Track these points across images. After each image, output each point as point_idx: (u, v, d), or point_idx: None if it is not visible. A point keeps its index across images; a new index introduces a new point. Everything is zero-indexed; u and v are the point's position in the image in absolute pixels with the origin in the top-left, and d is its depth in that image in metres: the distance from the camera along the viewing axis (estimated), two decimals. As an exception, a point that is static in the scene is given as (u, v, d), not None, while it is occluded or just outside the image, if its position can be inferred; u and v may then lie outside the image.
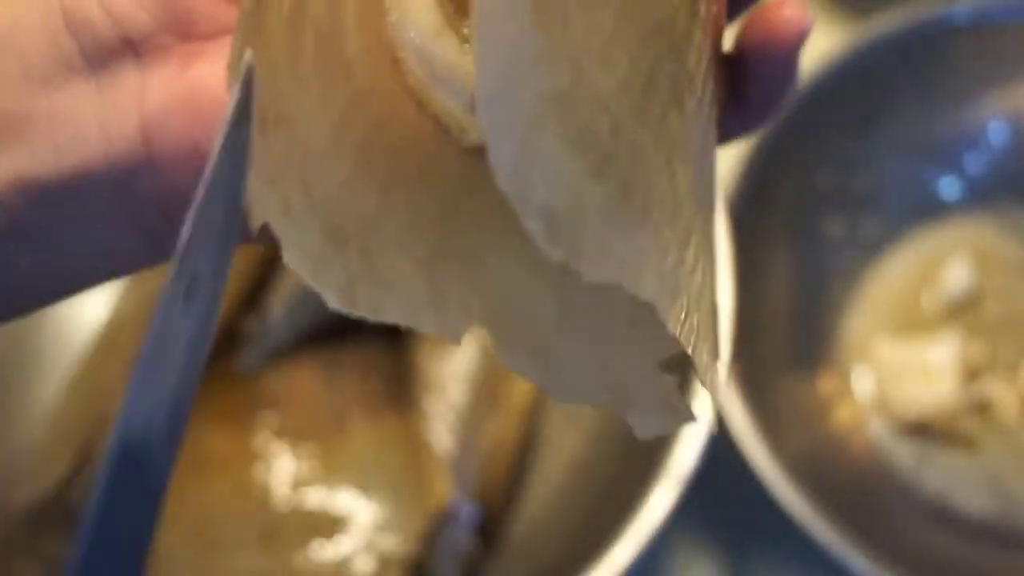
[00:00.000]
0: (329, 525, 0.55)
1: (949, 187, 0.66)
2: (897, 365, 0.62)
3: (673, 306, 0.22)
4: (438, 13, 0.24)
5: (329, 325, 0.58)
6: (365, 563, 0.56)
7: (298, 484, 0.55)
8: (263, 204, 0.22)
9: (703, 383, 0.24)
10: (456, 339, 0.24)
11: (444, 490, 0.55)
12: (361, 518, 0.56)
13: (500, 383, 0.57)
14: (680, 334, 0.23)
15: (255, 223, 0.22)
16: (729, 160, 0.60)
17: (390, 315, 0.23)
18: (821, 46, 0.63)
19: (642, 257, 0.22)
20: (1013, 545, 0.59)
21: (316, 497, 0.55)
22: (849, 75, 0.62)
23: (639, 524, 0.50)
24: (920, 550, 0.58)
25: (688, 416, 0.25)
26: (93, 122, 0.24)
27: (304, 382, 0.58)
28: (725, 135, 0.28)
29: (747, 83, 0.27)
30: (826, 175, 0.64)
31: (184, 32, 0.24)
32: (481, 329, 0.24)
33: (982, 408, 0.62)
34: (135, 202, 0.24)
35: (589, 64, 0.22)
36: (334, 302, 0.23)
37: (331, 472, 0.55)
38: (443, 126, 0.24)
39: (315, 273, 0.23)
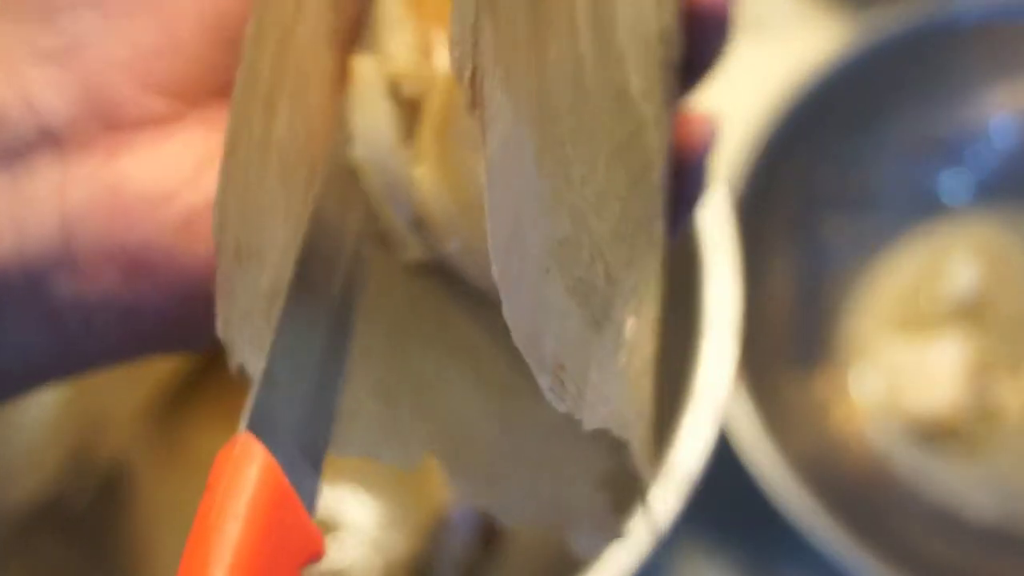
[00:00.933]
0: (329, 525, 0.55)
1: (950, 187, 0.66)
2: (900, 365, 0.62)
3: (639, 438, 0.23)
4: (395, 129, 0.24)
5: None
6: (365, 563, 0.56)
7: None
8: (239, 340, 0.22)
9: (646, 493, 0.24)
10: (413, 469, 0.24)
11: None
12: (361, 518, 0.56)
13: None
14: (639, 458, 0.23)
15: (233, 361, 0.22)
16: (729, 159, 0.60)
17: (351, 450, 0.24)
18: (821, 46, 0.63)
19: (625, 399, 0.23)
20: (1017, 548, 0.59)
21: (315, 498, 0.55)
22: (849, 75, 0.62)
23: (639, 524, 0.50)
24: (923, 552, 0.58)
25: (620, 534, 0.25)
26: (6, 217, 0.23)
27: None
28: None
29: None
30: (827, 175, 0.64)
31: (109, 122, 0.23)
32: (433, 459, 0.24)
33: (986, 409, 0.62)
34: (51, 302, 0.23)
35: (587, 211, 0.23)
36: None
37: (331, 472, 0.55)
38: (388, 242, 0.24)
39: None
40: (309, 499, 0.22)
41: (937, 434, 0.62)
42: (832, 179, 0.64)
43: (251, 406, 0.22)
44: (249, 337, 0.22)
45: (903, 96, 0.64)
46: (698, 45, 0.27)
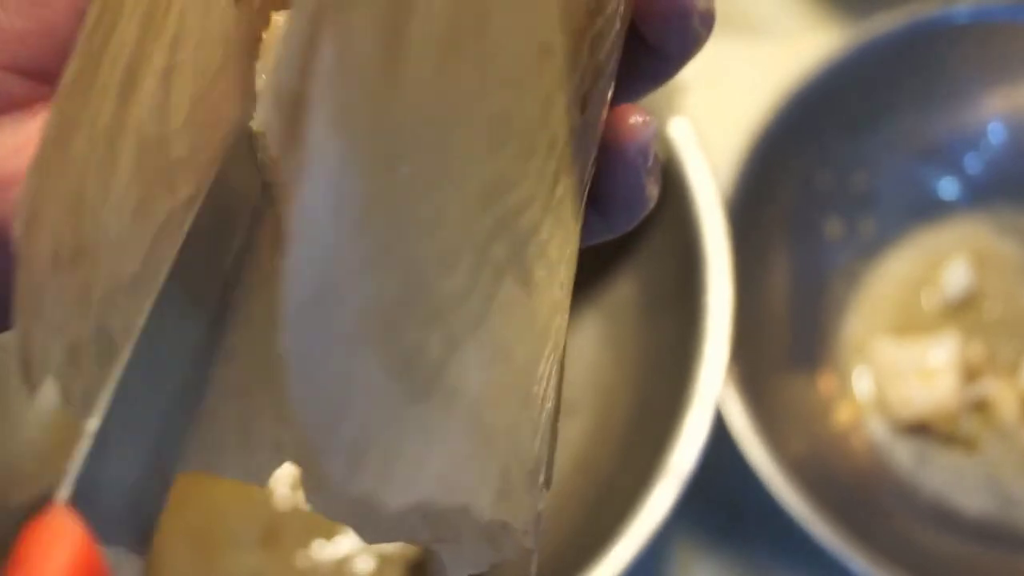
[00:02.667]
0: (329, 525, 0.55)
1: (948, 187, 0.66)
2: (896, 365, 0.62)
3: (485, 500, 0.21)
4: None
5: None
6: (365, 563, 0.56)
7: (298, 484, 0.55)
8: (46, 356, 0.20)
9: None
10: (263, 482, 0.22)
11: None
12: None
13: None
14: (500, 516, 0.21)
15: (34, 380, 0.20)
16: (728, 159, 0.60)
17: (189, 464, 0.21)
18: (821, 46, 0.63)
19: (461, 465, 0.20)
20: (1012, 545, 0.59)
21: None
22: (848, 75, 0.62)
23: (639, 523, 0.50)
24: (919, 550, 0.58)
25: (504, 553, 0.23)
26: None
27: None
28: (589, 236, 0.26)
29: (607, 187, 0.25)
30: (825, 175, 0.64)
31: None
32: (292, 467, 0.21)
33: (981, 408, 0.62)
34: None
35: (427, 266, 0.19)
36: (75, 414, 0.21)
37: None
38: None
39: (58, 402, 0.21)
40: (127, 573, 0.20)
41: (932, 432, 0.62)
42: (830, 180, 0.64)
43: (74, 472, 0.20)
44: (64, 350, 0.20)
45: (901, 97, 0.64)
46: (661, 37, 0.25)
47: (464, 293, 0.20)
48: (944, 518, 0.60)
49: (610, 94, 0.24)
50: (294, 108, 0.18)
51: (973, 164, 0.66)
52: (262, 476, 0.22)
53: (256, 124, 0.21)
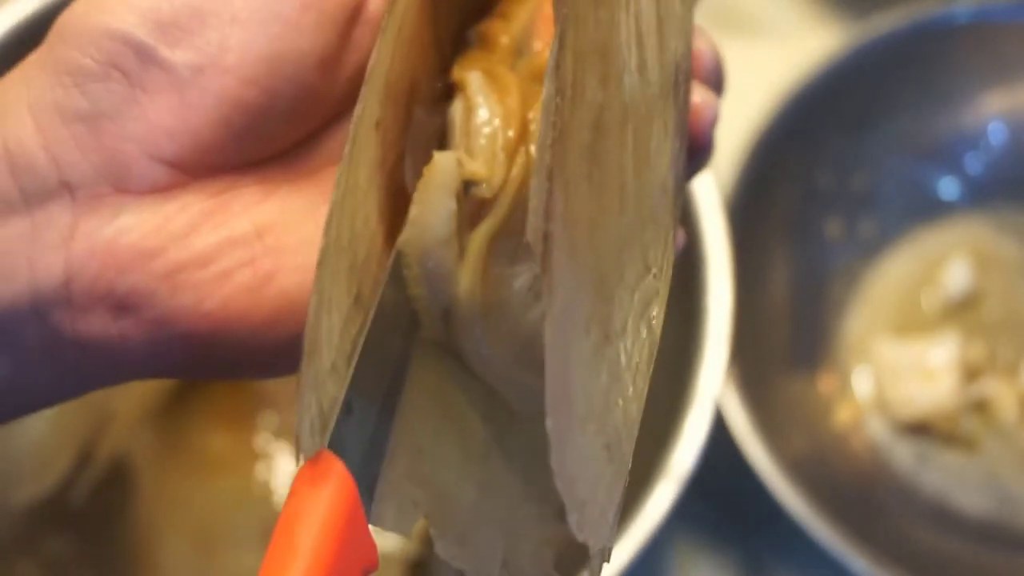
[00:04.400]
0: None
1: (948, 187, 0.66)
2: (897, 365, 0.62)
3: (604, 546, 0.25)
4: (455, 219, 0.26)
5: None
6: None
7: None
8: (305, 436, 0.24)
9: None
10: (407, 534, 0.26)
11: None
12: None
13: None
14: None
15: (300, 457, 0.24)
16: (728, 160, 0.60)
17: (374, 520, 0.26)
18: (821, 46, 0.63)
19: (616, 512, 0.25)
20: (1012, 545, 0.59)
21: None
22: (849, 75, 0.62)
23: (639, 523, 0.50)
24: (919, 550, 0.58)
25: None
26: (23, 258, 0.26)
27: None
28: None
29: None
30: (825, 175, 0.64)
31: (119, 184, 0.26)
32: (424, 521, 0.26)
33: (981, 408, 0.62)
34: (53, 335, 0.26)
35: (620, 364, 0.25)
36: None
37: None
38: (417, 322, 0.26)
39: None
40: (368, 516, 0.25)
41: (932, 432, 0.62)
42: (830, 180, 0.64)
43: (331, 429, 0.24)
44: (308, 421, 0.24)
45: (901, 97, 0.64)
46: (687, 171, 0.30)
47: (632, 385, 0.26)
48: (944, 518, 0.60)
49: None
50: (545, 243, 0.22)
51: (973, 164, 0.66)
52: (407, 530, 0.27)
53: (404, 240, 0.26)
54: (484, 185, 0.26)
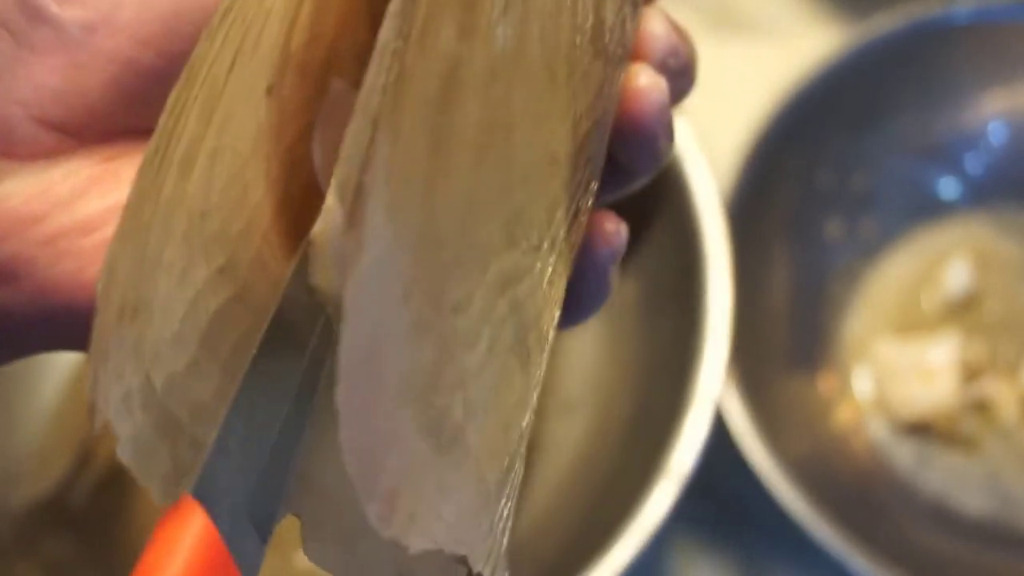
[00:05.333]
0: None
1: (948, 187, 0.66)
2: (897, 365, 0.62)
3: (481, 552, 0.24)
4: None
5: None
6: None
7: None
8: (107, 399, 0.22)
9: None
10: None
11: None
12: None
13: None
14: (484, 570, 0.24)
15: (98, 421, 0.22)
16: (728, 160, 0.60)
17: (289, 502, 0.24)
18: (821, 46, 0.63)
19: (464, 515, 0.23)
20: (1012, 545, 0.59)
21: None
22: (849, 75, 0.62)
23: (639, 523, 0.50)
24: (919, 550, 0.58)
25: None
26: None
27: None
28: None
29: (578, 281, 0.28)
30: (825, 175, 0.64)
31: (2, 149, 0.25)
32: (295, 520, 0.24)
33: (981, 408, 0.62)
34: None
35: (455, 341, 0.23)
36: (158, 496, 0.23)
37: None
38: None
39: (141, 467, 0.23)
40: (249, 570, 0.23)
41: (932, 432, 0.62)
42: (830, 180, 0.64)
43: (198, 471, 0.22)
44: (120, 397, 0.22)
45: (901, 97, 0.64)
46: (627, 158, 0.28)
47: (481, 367, 0.23)
48: (944, 518, 0.60)
49: (591, 203, 0.28)
50: (356, 195, 0.20)
51: (973, 164, 0.66)
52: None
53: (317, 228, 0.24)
54: None
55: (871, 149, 0.65)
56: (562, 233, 0.26)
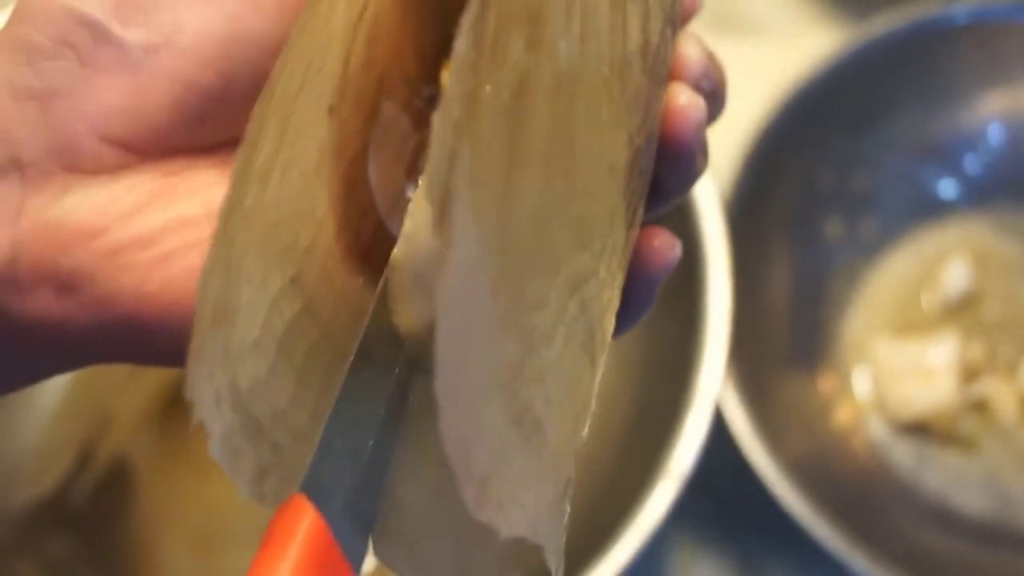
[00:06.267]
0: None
1: (948, 187, 0.66)
2: (896, 365, 0.62)
3: (555, 546, 0.25)
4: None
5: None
6: (365, 563, 0.56)
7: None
8: (201, 398, 0.24)
9: None
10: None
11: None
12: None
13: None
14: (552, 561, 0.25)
15: (195, 418, 0.24)
16: (728, 160, 0.60)
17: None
18: (821, 46, 0.63)
19: (543, 506, 0.24)
20: (1011, 544, 0.59)
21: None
22: (848, 75, 0.62)
23: (639, 523, 0.50)
24: (918, 549, 0.58)
25: None
26: None
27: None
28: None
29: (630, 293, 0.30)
30: (825, 175, 0.64)
31: (68, 164, 0.26)
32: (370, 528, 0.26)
33: (980, 408, 0.62)
34: (2, 318, 0.26)
35: (535, 337, 0.24)
36: (244, 492, 0.25)
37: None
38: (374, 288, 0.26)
39: (231, 465, 0.24)
40: (356, 562, 0.24)
41: (932, 432, 0.62)
42: (830, 180, 0.64)
43: (307, 470, 0.24)
44: (212, 396, 0.24)
45: (900, 98, 0.64)
46: (667, 175, 0.29)
47: (557, 362, 0.25)
48: (944, 518, 0.60)
49: (642, 214, 0.29)
50: (443, 197, 0.22)
51: (972, 164, 0.66)
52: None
53: (396, 254, 0.26)
54: None
55: (871, 149, 0.65)
56: (621, 240, 0.27)
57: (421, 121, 0.28)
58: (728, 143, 0.60)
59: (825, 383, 0.63)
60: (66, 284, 0.26)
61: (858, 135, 0.64)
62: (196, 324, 0.24)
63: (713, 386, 0.52)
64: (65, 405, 0.59)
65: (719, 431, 0.54)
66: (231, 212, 0.24)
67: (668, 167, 0.29)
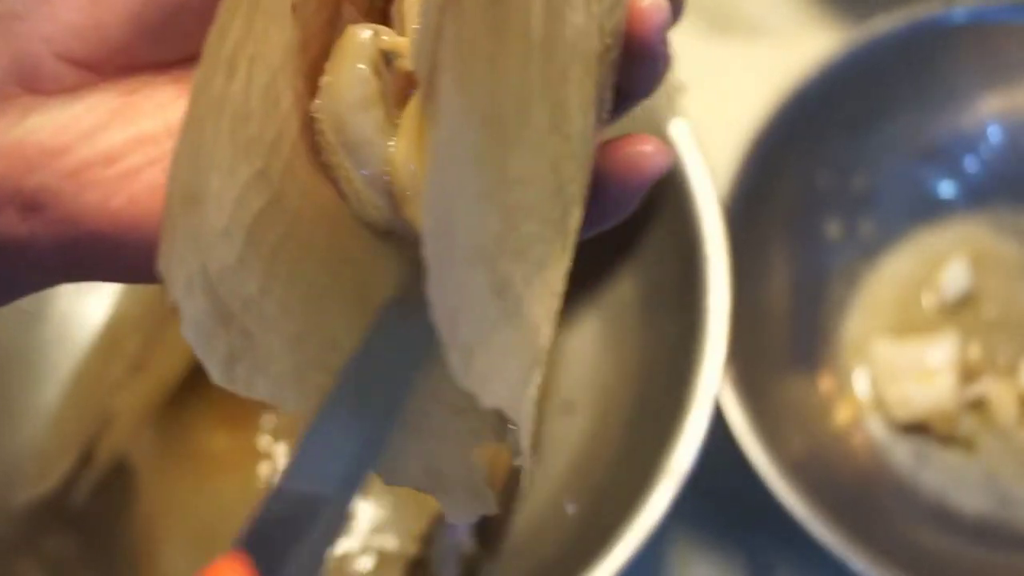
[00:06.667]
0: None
1: (947, 188, 0.66)
2: (895, 365, 0.62)
3: (525, 426, 0.25)
4: (372, 89, 0.26)
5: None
6: (365, 562, 0.56)
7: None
8: (174, 280, 0.24)
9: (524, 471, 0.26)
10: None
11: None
12: (361, 518, 0.57)
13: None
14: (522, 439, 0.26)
15: (169, 299, 0.24)
16: (728, 160, 0.60)
17: (260, 392, 0.26)
18: (821, 47, 0.63)
19: (519, 382, 0.25)
20: (1009, 544, 0.59)
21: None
22: (848, 76, 0.63)
23: (638, 522, 0.50)
24: (917, 549, 0.58)
25: (490, 505, 0.28)
26: None
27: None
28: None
29: (600, 199, 0.30)
30: (825, 175, 0.64)
31: (28, 85, 0.26)
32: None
33: (979, 408, 0.63)
34: None
35: (517, 213, 0.25)
36: (216, 376, 0.25)
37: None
38: (342, 193, 0.27)
39: (203, 348, 0.25)
40: None
41: (931, 432, 0.62)
42: (829, 180, 0.64)
43: (249, 524, 0.24)
44: (185, 279, 0.24)
45: (900, 98, 0.64)
46: (632, 76, 0.29)
47: (536, 241, 0.25)
48: (943, 517, 0.60)
49: (608, 114, 0.30)
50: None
51: (972, 165, 0.66)
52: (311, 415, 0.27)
53: (316, 106, 0.26)
54: (407, 59, 0.26)
55: (870, 150, 0.65)
56: (590, 134, 0.28)
57: (381, 22, 0.28)
58: (728, 143, 0.60)
59: (825, 383, 0.63)
60: (31, 203, 0.26)
61: (858, 135, 0.64)
62: (167, 205, 0.24)
63: (713, 386, 0.52)
64: (66, 405, 0.59)
65: (719, 431, 0.54)
66: (199, 94, 0.25)
67: (634, 68, 0.29)
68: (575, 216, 0.28)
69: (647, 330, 0.59)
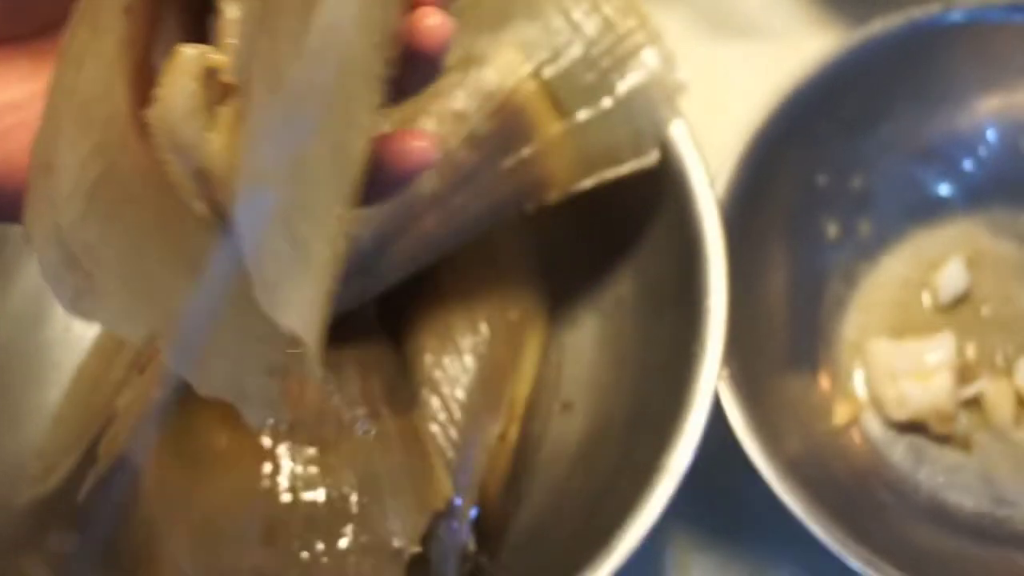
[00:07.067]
0: (330, 524, 0.55)
1: (945, 188, 0.66)
2: (893, 365, 0.62)
3: (314, 349, 0.31)
4: (197, 101, 0.31)
5: (329, 326, 0.58)
6: (365, 562, 0.56)
7: (299, 483, 0.55)
8: (36, 234, 0.30)
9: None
10: (138, 342, 0.32)
11: (444, 489, 0.55)
12: (361, 517, 0.57)
13: (501, 383, 0.58)
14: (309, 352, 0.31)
15: (33, 248, 0.30)
16: (726, 161, 0.60)
17: (102, 322, 0.32)
18: (819, 47, 0.63)
19: (310, 308, 0.30)
20: (1007, 543, 0.60)
21: (317, 496, 0.55)
22: (847, 76, 0.63)
23: (637, 522, 0.50)
24: (915, 547, 0.58)
25: (283, 415, 0.33)
26: None
27: (304, 382, 0.58)
28: None
29: (376, 180, 0.34)
30: (823, 176, 0.65)
31: None
32: (160, 337, 0.32)
33: (976, 407, 0.63)
34: None
35: (314, 181, 0.30)
36: (66, 309, 0.30)
37: (331, 471, 0.56)
38: (169, 178, 0.31)
39: (56, 288, 0.30)
40: None
41: (928, 431, 0.62)
42: (827, 181, 0.65)
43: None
44: (43, 233, 0.30)
45: (898, 99, 0.64)
46: (413, 80, 0.33)
47: (321, 194, 0.31)
48: (940, 516, 0.60)
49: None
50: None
51: (970, 165, 0.66)
52: (138, 340, 0.32)
53: (150, 115, 0.31)
54: (228, 73, 0.31)
55: (868, 150, 0.65)
56: (375, 125, 0.33)
57: (196, 26, 0.33)
58: (726, 144, 0.60)
59: (823, 382, 0.63)
60: None
61: (855, 136, 0.64)
62: (30, 175, 0.29)
63: (711, 385, 0.52)
64: (69, 404, 0.59)
65: (717, 430, 0.54)
66: (56, 87, 0.29)
67: (416, 73, 0.33)
68: (356, 180, 0.33)
69: (646, 329, 0.60)
